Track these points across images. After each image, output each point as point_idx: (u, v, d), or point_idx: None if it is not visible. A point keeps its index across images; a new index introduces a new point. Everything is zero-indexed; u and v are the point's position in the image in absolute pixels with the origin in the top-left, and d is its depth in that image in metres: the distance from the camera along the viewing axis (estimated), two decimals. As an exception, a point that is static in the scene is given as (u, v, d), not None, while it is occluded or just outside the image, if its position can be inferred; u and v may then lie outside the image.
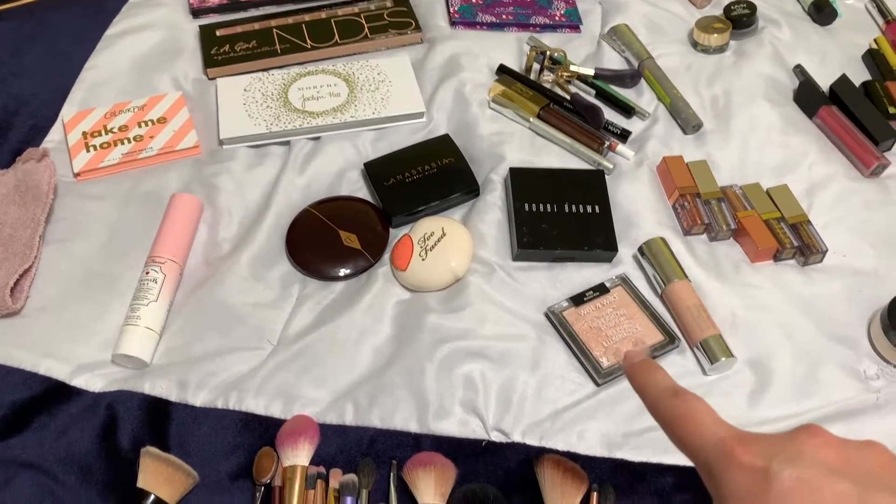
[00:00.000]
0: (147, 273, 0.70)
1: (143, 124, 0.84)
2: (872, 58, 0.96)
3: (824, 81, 0.91)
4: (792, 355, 0.68)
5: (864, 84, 0.92)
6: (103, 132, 0.83)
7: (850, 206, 0.80)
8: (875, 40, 0.98)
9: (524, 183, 0.78)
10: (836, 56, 0.96)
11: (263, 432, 0.64)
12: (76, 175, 0.80)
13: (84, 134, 0.83)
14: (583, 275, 0.74)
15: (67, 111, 0.86)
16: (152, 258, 0.71)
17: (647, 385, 0.39)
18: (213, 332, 0.69)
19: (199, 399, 0.65)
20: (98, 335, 0.69)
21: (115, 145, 0.82)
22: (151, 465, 0.60)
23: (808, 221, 0.77)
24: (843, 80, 0.91)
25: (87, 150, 0.81)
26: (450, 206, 0.79)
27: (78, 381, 0.66)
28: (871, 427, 0.64)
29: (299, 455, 0.61)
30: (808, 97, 0.89)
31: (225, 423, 0.64)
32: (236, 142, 0.83)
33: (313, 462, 0.62)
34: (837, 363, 0.68)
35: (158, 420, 0.64)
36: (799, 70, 0.93)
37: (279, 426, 0.63)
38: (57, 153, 0.82)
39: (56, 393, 0.65)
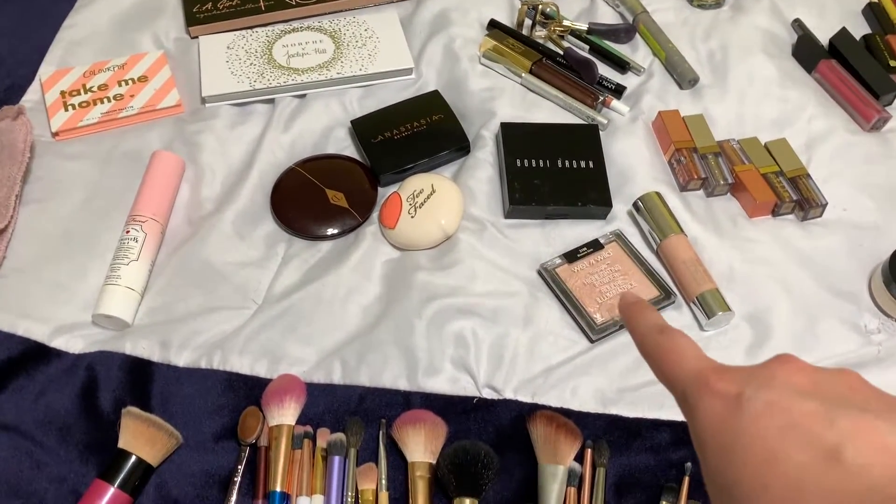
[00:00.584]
0: (127, 232, 0.68)
1: (123, 83, 0.81)
2: (873, 11, 0.93)
3: (823, 36, 0.89)
4: (791, 309, 0.67)
5: (865, 37, 0.89)
6: (82, 91, 0.80)
7: (850, 159, 0.78)
8: (875, -6, 0.96)
9: (516, 139, 0.76)
10: (835, 10, 0.94)
11: (248, 392, 0.62)
12: (54, 134, 0.78)
13: (62, 93, 0.80)
14: (577, 232, 0.72)
15: (45, 70, 0.83)
16: (133, 217, 0.69)
17: (637, 323, 0.39)
18: (197, 291, 0.67)
19: (182, 359, 0.64)
20: (78, 296, 0.67)
21: (95, 104, 0.79)
22: (133, 425, 0.58)
23: (808, 175, 0.75)
24: (843, 33, 0.88)
25: (66, 110, 0.79)
26: (440, 163, 0.77)
27: (57, 343, 0.64)
28: (873, 380, 0.62)
29: (285, 414, 0.59)
30: (806, 51, 0.87)
31: (209, 383, 0.63)
32: (219, 100, 0.80)
33: (300, 422, 0.60)
34: (838, 317, 0.67)
35: (140, 381, 0.62)
36: (797, 24, 0.91)
37: (265, 386, 0.62)
38: (34, 113, 0.79)
39: (34, 354, 0.64)
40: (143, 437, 0.58)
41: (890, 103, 0.84)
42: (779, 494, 0.27)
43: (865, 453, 0.26)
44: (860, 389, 0.30)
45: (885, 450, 0.26)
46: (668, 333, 0.37)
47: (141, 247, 0.68)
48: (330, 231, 0.71)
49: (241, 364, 0.63)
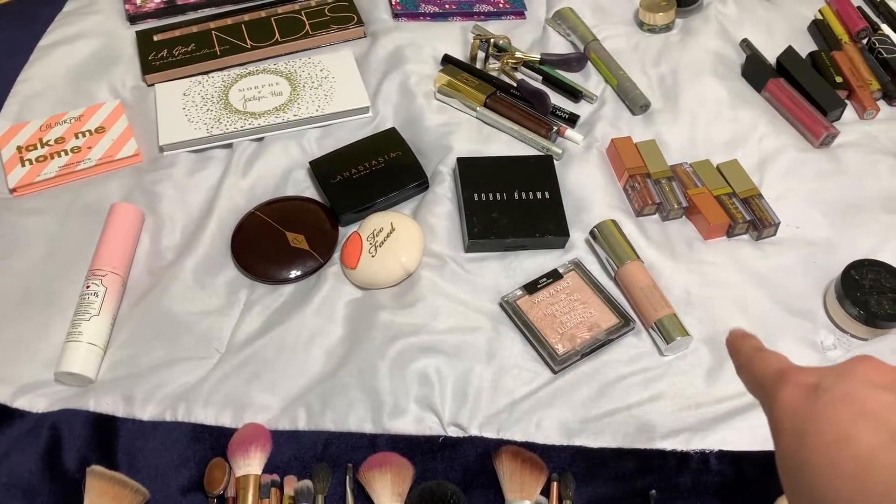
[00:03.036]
0: (88, 287, 0.68)
1: (80, 135, 0.81)
2: (818, 28, 0.96)
3: (771, 54, 0.91)
4: (749, 330, 0.68)
5: (811, 55, 0.92)
6: (39, 145, 0.80)
7: (801, 176, 0.80)
8: (820, 11, 0.98)
9: (472, 173, 0.76)
10: (783, 28, 0.96)
11: (214, 443, 0.62)
12: (12, 191, 0.78)
13: (19, 148, 0.80)
14: (536, 262, 0.73)
15: (0, 126, 0.83)
16: (92, 271, 0.69)
17: (741, 347, 0.42)
18: (159, 343, 0.67)
19: (146, 413, 0.63)
20: (39, 354, 0.67)
21: (52, 158, 0.79)
22: (98, 485, 0.58)
23: (760, 195, 0.76)
24: (790, 51, 0.90)
25: (23, 165, 0.79)
26: (399, 200, 0.78)
27: (20, 403, 0.64)
28: (830, 397, 0.63)
29: (251, 464, 0.59)
30: (755, 71, 0.89)
31: (174, 435, 0.62)
32: (176, 147, 0.80)
33: (267, 470, 0.60)
34: (795, 335, 0.68)
35: (105, 437, 0.62)
36: (745, 44, 0.93)
37: (231, 436, 0.61)
38: (-9, 170, 0.79)
39: (-4, 416, 0.63)
40: (108, 497, 0.57)
41: (837, 119, 0.86)
42: (847, 471, 0.29)
43: None
44: None
45: None
46: (764, 350, 0.40)
47: (102, 301, 0.67)
48: (291, 274, 0.72)
49: (206, 415, 0.63)
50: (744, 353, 0.41)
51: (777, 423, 0.33)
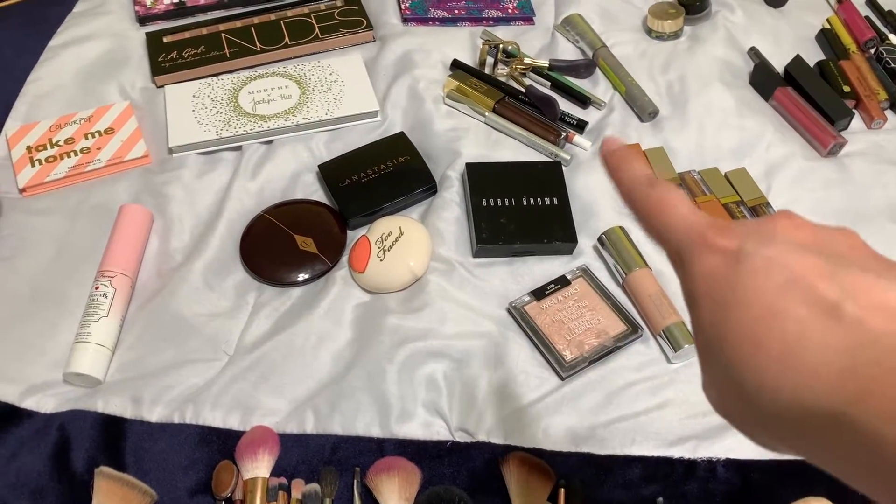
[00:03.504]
0: (97, 288, 0.68)
1: (89, 136, 0.82)
2: (825, 37, 0.96)
3: (779, 63, 0.91)
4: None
5: (819, 64, 0.92)
6: (49, 146, 0.81)
7: (809, 185, 0.80)
8: (828, 20, 0.98)
9: (481, 178, 0.77)
10: (790, 37, 0.96)
11: (222, 445, 0.62)
12: (21, 191, 0.78)
13: (28, 148, 0.80)
14: (544, 268, 0.73)
15: (10, 126, 0.83)
16: (102, 272, 0.69)
17: (623, 174, 0.36)
18: (168, 345, 0.68)
19: (154, 415, 0.64)
20: (48, 354, 0.67)
21: (62, 158, 0.80)
22: (105, 486, 0.58)
23: (768, 203, 0.76)
24: (798, 60, 0.91)
25: (32, 165, 0.79)
26: (407, 204, 0.78)
27: (28, 403, 0.64)
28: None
29: (259, 467, 0.60)
30: (763, 79, 0.89)
31: (182, 437, 0.63)
32: (186, 149, 0.81)
33: (274, 473, 0.60)
34: (801, 344, 0.68)
35: (113, 438, 0.62)
36: (753, 52, 0.93)
37: (238, 438, 0.62)
38: (0, 170, 0.79)
39: (5, 416, 0.63)
40: (116, 498, 0.57)
41: (845, 128, 0.86)
42: (775, 351, 0.26)
43: (866, 308, 0.25)
44: (860, 248, 0.29)
45: (885, 306, 0.25)
46: (659, 185, 0.34)
47: (111, 302, 0.68)
48: (300, 277, 0.72)
49: (214, 417, 0.63)
50: (629, 182, 0.35)
51: (693, 293, 0.30)
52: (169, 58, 0.89)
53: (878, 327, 0.25)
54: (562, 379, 0.66)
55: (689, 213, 0.32)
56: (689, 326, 0.61)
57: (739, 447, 0.61)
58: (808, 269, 0.27)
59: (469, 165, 0.77)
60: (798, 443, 0.27)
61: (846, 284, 0.26)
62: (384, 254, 0.71)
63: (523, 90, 0.87)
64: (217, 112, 0.83)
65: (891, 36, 0.96)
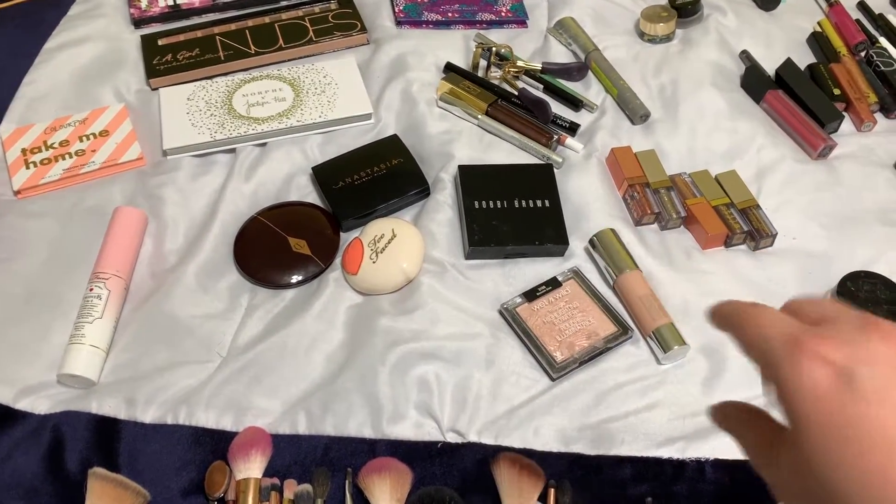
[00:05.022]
0: (91, 290, 0.69)
1: (84, 138, 0.82)
2: (816, 41, 0.96)
3: (770, 66, 0.92)
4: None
5: (809, 67, 0.92)
6: (43, 148, 0.81)
7: (799, 188, 0.80)
8: (819, 23, 0.99)
9: (474, 181, 0.77)
10: (781, 40, 0.97)
11: (215, 446, 0.63)
12: (16, 193, 0.78)
13: (23, 151, 0.81)
14: (535, 269, 0.74)
15: (5, 128, 0.84)
16: (96, 274, 0.70)
17: (731, 302, 0.37)
18: (162, 346, 0.68)
19: (148, 416, 0.64)
20: (42, 356, 0.67)
21: (56, 161, 0.80)
22: (99, 487, 0.58)
23: (758, 206, 0.77)
24: (789, 63, 0.91)
25: (27, 167, 0.79)
26: (400, 207, 0.79)
27: (22, 404, 0.65)
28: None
29: (252, 467, 0.60)
30: (754, 82, 0.90)
31: (175, 438, 0.63)
32: (180, 151, 0.81)
33: (267, 474, 0.61)
34: (790, 345, 0.68)
35: (107, 439, 0.63)
36: (745, 56, 0.94)
37: (231, 439, 0.62)
38: (-4, 171, 0.80)
39: (-1, 417, 0.64)
40: (109, 498, 0.58)
41: (835, 131, 0.87)
42: None
43: None
44: None
45: None
46: (762, 306, 0.35)
47: (105, 304, 0.68)
48: (293, 279, 0.72)
49: (207, 418, 0.64)
50: (735, 307, 0.36)
51: (797, 407, 0.30)
52: (164, 60, 0.90)
53: None
54: (552, 380, 0.66)
55: (783, 321, 0.32)
56: (679, 331, 0.60)
57: (727, 448, 0.62)
58: None
59: (461, 168, 0.78)
60: None
61: None
62: (377, 256, 0.72)
63: (516, 93, 0.87)
64: (211, 115, 0.83)
65: (881, 39, 0.97)
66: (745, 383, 0.66)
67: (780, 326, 0.32)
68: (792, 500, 0.32)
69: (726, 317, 0.36)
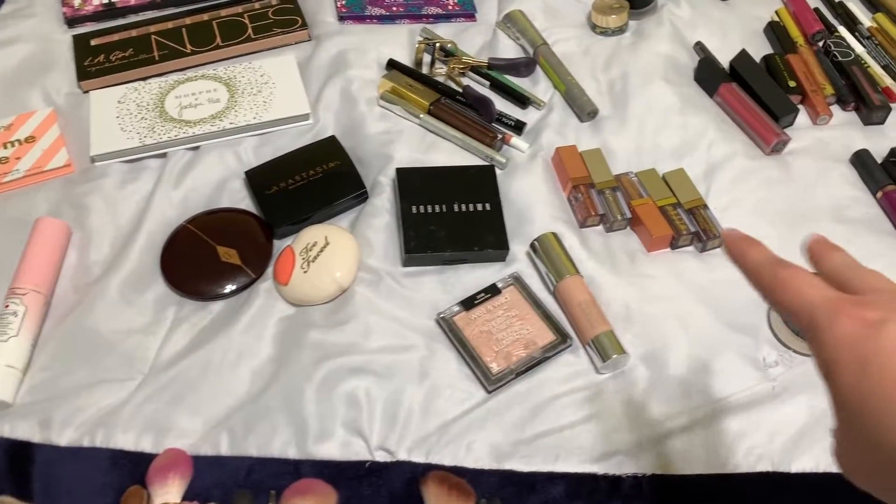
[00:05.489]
0: (7, 306, 0.66)
1: (8, 145, 0.79)
2: (773, 31, 0.94)
3: (725, 58, 0.89)
4: (688, 347, 0.66)
5: (765, 58, 0.90)
6: (-35, 156, 0.78)
7: (750, 185, 0.78)
8: (776, 12, 0.96)
9: (412, 184, 0.74)
10: (738, 31, 0.94)
11: (134, 469, 0.60)
12: (-65, 204, 0.75)
13: (-56, 159, 0.78)
14: (476, 276, 0.71)
15: (-74, 136, 0.80)
16: (12, 290, 0.67)
17: (749, 257, 0.39)
18: (81, 364, 0.65)
19: (64, 438, 0.61)
20: (-45, 377, 0.64)
21: (-22, 169, 0.77)
22: (7, 515, 0.56)
23: (705, 206, 0.74)
24: (743, 55, 0.88)
25: (-53, 177, 0.76)
26: (337, 212, 0.76)
27: (-69, 429, 0.62)
28: (768, 417, 0.62)
29: (170, 492, 0.57)
30: (707, 75, 0.87)
31: (92, 461, 0.60)
32: (108, 158, 0.78)
33: (187, 497, 0.58)
34: (736, 352, 0.66)
35: (20, 465, 0.60)
36: (699, 47, 0.91)
37: (151, 462, 0.59)
38: (-85, 181, 0.76)
39: None
40: (17, 528, 0.55)
41: (790, 124, 0.84)
42: None
43: None
44: None
45: None
46: (787, 265, 0.37)
47: (21, 321, 0.65)
48: (221, 290, 0.69)
49: (126, 440, 0.61)
50: (756, 265, 0.38)
51: (832, 355, 0.32)
52: (96, 61, 0.86)
53: None
54: (488, 392, 0.64)
55: (823, 287, 0.35)
56: (618, 339, 0.58)
57: (666, 463, 0.59)
58: None
59: (399, 171, 0.75)
60: None
61: None
62: (308, 265, 0.69)
63: (461, 90, 0.84)
64: (142, 118, 0.80)
65: (840, 28, 0.94)
66: (685, 393, 0.64)
67: (823, 292, 0.34)
68: (844, 457, 0.33)
69: (757, 277, 0.38)
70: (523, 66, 0.87)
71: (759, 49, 0.92)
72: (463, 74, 0.87)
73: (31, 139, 0.79)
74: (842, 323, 0.32)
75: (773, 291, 0.37)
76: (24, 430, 0.61)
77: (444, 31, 0.92)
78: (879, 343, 0.30)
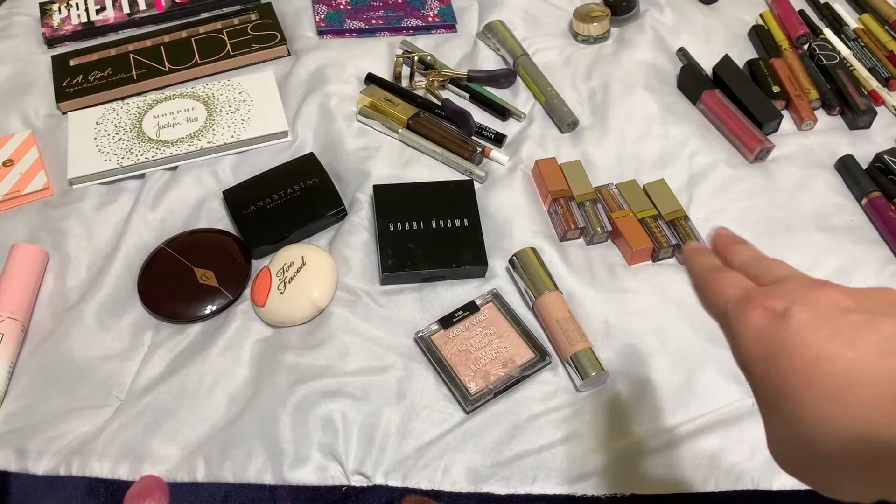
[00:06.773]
0: (-18, 334, 0.66)
1: (-14, 169, 0.79)
2: (758, 35, 0.93)
3: (709, 63, 0.88)
4: (669, 363, 0.65)
5: (749, 63, 0.89)
6: (-57, 181, 0.78)
7: (732, 195, 0.77)
8: (761, 16, 0.95)
9: (389, 201, 0.74)
10: (722, 35, 0.93)
11: (110, 497, 0.60)
12: (-87, 231, 0.75)
13: (-78, 185, 0.77)
14: (455, 293, 0.70)
15: None
16: (-12, 317, 0.67)
17: (695, 262, 0.39)
18: (57, 391, 0.65)
19: (40, 467, 0.61)
20: (-69, 407, 0.64)
21: (-44, 195, 0.77)
22: (-20, 548, 0.56)
23: (686, 217, 0.74)
24: (726, 61, 0.87)
25: (-75, 203, 0.76)
26: (315, 230, 0.75)
27: None
28: (748, 433, 0.61)
29: (146, 520, 0.57)
30: (690, 82, 0.86)
31: (69, 490, 0.60)
32: (85, 180, 0.78)
33: (163, 526, 0.58)
34: (717, 367, 0.65)
35: (-4, 495, 0.60)
36: (682, 53, 0.90)
37: (127, 489, 0.59)
38: None
39: None
40: (-10, 561, 0.55)
41: (774, 131, 0.83)
42: (828, 389, 0.28)
43: None
44: None
45: None
46: (722, 269, 0.37)
47: (-4, 349, 0.65)
48: (198, 313, 0.69)
49: (102, 468, 0.61)
50: (698, 268, 0.38)
51: (744, 351, 0.32)
52: (74, 82, 0.86)
53: None
54: (466, 413, 0.63)
55: (742, 286, 0.35)
56: (597, 356, 0.57)
57: (646, 482, 0.59)
58: (852, 322, 0.29)
59: (377, 188, 0.74)
60: (870, 479, 0.28)
61: (891, 330, 0.28)
62: (285, 286, 0.68)
63: (440, 104, 0.84)
64: (120, 139, 0.80)
65: (826, 30, 0.93)
66: (665, 411, 0.63)
67: (738, 289, 0.34)
68: (775, 447, 0.33)
69: (694, 281, 0.38)
70: (503, 78, 0.86)
71: (744, 53, 0.91)
72: (443, 87, 0.87)
73: (9, 162, 0.79)
74: (748, 315, 0.32)
75: (701, 294, 0.37)
76: (0, 460, 0.61)
77: (424, 43, 0.91)
78: (783, 332, 0.30)
